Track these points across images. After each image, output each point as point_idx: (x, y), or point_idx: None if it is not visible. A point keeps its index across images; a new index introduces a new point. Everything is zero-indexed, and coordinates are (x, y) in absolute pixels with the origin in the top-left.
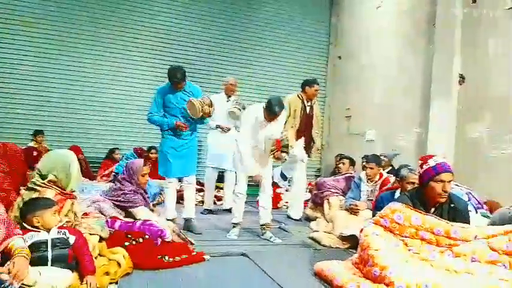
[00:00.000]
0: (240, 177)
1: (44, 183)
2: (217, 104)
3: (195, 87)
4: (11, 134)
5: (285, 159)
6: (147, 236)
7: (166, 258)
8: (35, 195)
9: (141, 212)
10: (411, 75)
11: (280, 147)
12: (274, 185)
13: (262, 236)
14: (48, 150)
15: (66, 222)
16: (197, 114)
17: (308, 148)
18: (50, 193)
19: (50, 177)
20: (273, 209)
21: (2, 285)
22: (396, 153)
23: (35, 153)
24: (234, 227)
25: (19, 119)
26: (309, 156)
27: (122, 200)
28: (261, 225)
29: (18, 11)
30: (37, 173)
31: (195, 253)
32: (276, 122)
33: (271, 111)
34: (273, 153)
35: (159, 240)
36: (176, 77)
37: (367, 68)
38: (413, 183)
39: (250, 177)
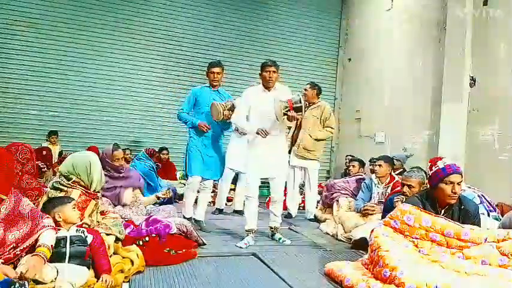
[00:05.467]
0: (251, 179)
1: (69, 184)
2: None
3: (228, 94)
4: (22, 135)
5: (299, 119)
6: (153, 235)
7: (173, 251)
8: (60, 195)
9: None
10: (421, 78)
11: (293, 106)
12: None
13: (272, 238)
14: (62, 150)
15: (87, 224)
16: (218, 116)
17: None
18: (75, 193)
19: (74, 178)
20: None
21: (12, 286)
22: (408, 155)
23: (44, 153)
24: (247, 234)
25: (34, 120)
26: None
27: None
28: (270, 227)
29: (34, 13)
30: (61, 174)
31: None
32: (275, 89)
33: (262, 64)
34: (287, 114)
35: (165, 235)
36: (214, 67)
37: (376, 70)
38: (409, 185)
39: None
